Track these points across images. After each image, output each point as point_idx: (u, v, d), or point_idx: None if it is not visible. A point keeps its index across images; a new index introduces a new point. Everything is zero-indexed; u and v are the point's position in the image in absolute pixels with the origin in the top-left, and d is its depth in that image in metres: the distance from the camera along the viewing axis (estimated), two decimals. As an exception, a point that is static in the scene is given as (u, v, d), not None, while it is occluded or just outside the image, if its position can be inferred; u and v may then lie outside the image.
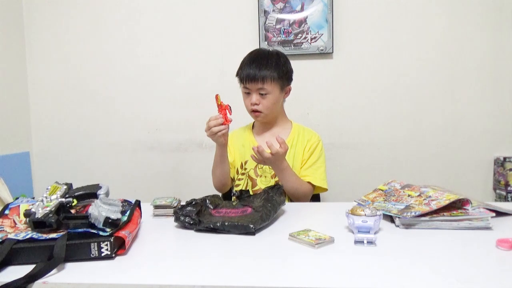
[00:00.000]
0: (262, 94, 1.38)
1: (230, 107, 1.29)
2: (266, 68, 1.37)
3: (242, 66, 1.42)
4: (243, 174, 1.47)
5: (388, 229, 0.94)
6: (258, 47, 2.05)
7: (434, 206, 0.95)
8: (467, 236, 0.88)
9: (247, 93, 1.41)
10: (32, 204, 0.86)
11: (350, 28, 2.04)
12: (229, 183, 1.47)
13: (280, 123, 1.51)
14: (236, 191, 1.18)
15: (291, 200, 1.40)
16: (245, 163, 1.46)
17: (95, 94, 2.21)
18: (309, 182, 1.41)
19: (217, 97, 1.29)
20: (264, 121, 1.47)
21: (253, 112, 1.41)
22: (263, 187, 1.37)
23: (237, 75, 1.44)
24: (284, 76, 1.42)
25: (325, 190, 1.45)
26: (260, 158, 1.28)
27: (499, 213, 1.01)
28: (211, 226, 0.93)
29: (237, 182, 1.47)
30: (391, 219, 0.99)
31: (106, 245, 0.76)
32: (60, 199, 0.88)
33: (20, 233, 0.79)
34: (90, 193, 0.96)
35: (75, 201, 0.92)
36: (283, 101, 1.50)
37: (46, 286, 0.67)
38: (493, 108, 2.02)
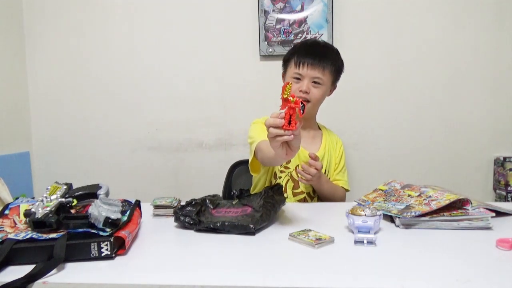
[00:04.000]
0: (315, 83, 1.31)
1: (303, 105, 0.87)
2: (328, 58, 1.32)
3: (297, 50, 1.34)
4: (282, 172, 1.38)
5: (388, 229, 0.94)
6: (258, 47, 2.05)
7: (434, 206, 0.95)
8: (467, 236, 0.88)
9: (297, 79, 1.31)
10: (32, 204, 0.86)
11: (350, 28, 2.04)
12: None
13: (315, 124, 1.47)
14: (236, 190, 1.17)
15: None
16: (287, 162, 1.37)
17: (95, 94, 2.21)
18: (341, 187, 1.44)
19: (285, 87, 0.87)
20: (306, 116, 1.38)
21: None
22: (305, 190, 1.38)
23: (287, 60, 1.36)
24: (339, 72, 1.39)
25: (348, 191, 1.48)
26: (309, 177, 1.24)
27: (499, 213, 1.01)
28: (211, 226, 0.93)
29: (279, 175, 1.39)
30: (391, 219, 0.99)
31: (106, 245, 0.76)
32: (60, 199, 0.88)
33: (20, 233, 0.79)
34: (90, 193, 0.96)
35: (75, 201, 0.92)
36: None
37: (46, 286, 0.67)
38: (493, 108, 2.02)
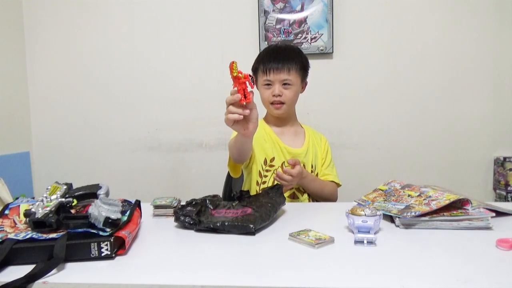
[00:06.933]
0: (285, 85, 1.37)
1: (252, 77, 0.95)
2: (291, 59, 1.38)
3: (262, 59, 1.40)
4: (267, 171, 1.41)
5: (388, 229, 0.94)
6: (258, 47, 2.05)
7: (434, 206, 0.95)
8: (467, 236, 0.88)
9: (268, 85, 1.39)
10: (32, 204, 0.86)
11: (350, 28, 2.05)
12: (247, 159, 1.38)
13: (296, 122, 1.52)
14: (236, 191, 1.17)
15: (317, 201, 1.43)
16: (271, 160, 1.41)
17: (95, 94, 2.22)
18: (331, 181, 1.46)
19: (231, 66, 0.93)
20: (283, 116, 1.44)
21: (274, 104, 1.38)
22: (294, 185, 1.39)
23: (255, 69, 1.43)
24: (305, 68, 1.43)
25: (340, 185, 1.50)
26: (285, 183, 1.27)
27: (499, 213, 1.01)
28: (211, 226, 0.92)
29: (265, 174, 1.41)
30: (391, 219, 0.99)
31: (106, 245, 0.76)
32: (60, 199, 0.88)
33: (20, 233, 0.79)
34: (90, 193, 0.96)
35: (75, 201, 0.92)
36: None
37: (46, 286, 0.67)
38: (493, 108, 2.03)
